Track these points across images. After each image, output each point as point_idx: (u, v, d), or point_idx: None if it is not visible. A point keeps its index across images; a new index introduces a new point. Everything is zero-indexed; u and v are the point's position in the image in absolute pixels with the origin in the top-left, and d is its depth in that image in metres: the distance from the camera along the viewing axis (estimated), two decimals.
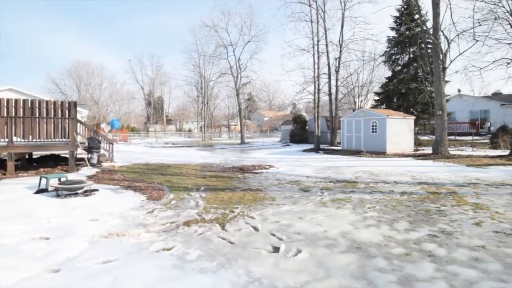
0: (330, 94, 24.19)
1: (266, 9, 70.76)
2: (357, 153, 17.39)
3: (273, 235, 4.33)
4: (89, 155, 10.98)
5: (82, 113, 21.04)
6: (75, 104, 11.44)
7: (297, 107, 63.80)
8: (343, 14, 23.42)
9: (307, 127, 30.01)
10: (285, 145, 27.60)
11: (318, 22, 23.09)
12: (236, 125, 60.23)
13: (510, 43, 14.46)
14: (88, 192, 6.76)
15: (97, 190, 7.07)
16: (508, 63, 14.23)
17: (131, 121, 64.99)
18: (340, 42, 23.78)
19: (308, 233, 4.38)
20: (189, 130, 64.49)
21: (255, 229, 4.60)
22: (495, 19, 14.58)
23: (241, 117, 36.38)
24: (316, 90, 23.34)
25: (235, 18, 65.36)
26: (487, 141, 19.87)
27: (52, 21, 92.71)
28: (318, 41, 23.16)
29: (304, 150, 21.14)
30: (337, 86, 24.52)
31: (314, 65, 23.39)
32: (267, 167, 12.16)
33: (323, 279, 3.06)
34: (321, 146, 22.24)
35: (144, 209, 5.79)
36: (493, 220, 4.85)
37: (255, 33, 35.15)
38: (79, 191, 6.71)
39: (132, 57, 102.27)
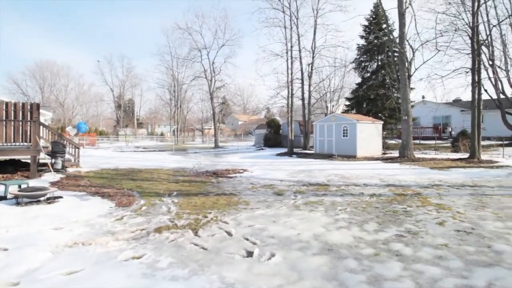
0: (303, 99, 24.66)
1: (240, 14, 71.27)
2: (329, 156, 17.81)
3: (247, 239, 4.31)
4: (53, 160, 10.39)
5: (45, 116, 19.93)
6: (37, 106, 10.80)
7: (271, 111, 64.49)
8: (315, 21, 24.07)
9: (280, 131, 30.36)
10: (259, 149, 27.72)
11: (291, 28, 23.57)
12: (210, 129, 59.73)
13: (469, 53, 15.52)
14: (51, 200, 6.38)
15: (61, 197, 6.69)
16: (467, 72, 15.27)
17: (99, 125, 62.45)
18: (313, 48, 24.38)
19: (281, 236, 4.41)
20: (162, 134, 63.06)
21: (229, 234, 4.55)
22: (455, 30, 15.64)
23: (215, 121, 36.13)
24: (290, 95, 23.73)
25: (209, 21, 65.18)
26: (449, 145, 21.12)
27: (14, 17, 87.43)
28: (291, 46, 23.62)
29: (278, 154, 21.34)
30: (310, 91, 25.05)
31: (287, 70, 23.80)
32: (241, 171, 12.13)
33: (296, 282, 3.09)
34: (295, 150, 22.57)
35: (112, 216, 5.55)
36: (454, 219, 5.14)
37: (229, 37, 35.18)
38: (42, 199, 6.32)
39: (101, 58, 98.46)
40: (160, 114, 66.71)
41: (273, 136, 30.03)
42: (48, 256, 3.70)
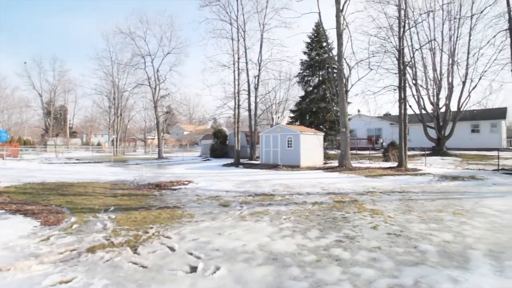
0: (249, 110, 25.05)
1: (187, 22, 70.43)
2: (274, 166, 18.24)
3: (191, 254, 4.15)
4: None
5: None
6: None
7: (217, 122, 64.23)
8: (262, 35, 24.83)
9: (227, 141, 30.32)
10: (205, 160, 27.28)
11: (238, 40, 23.96)
12: (153, 139, 57.18)
13: (396, 73, 17.35)
14: None
15: None
16: (395, 89, 17.03)
17: (24, 133, 55.76)
18: (259, 61, 25.05)
19: (227, 248, 4.34)
20: (98, 144, 58.57)
21: (172, 249, 4.34)
22: (385, 52, 17.44)
23: (159, 131, 34.73)
24: (236, 106, 23.93)
25: (154, 27, 62.90)
26: (381, 154, 23.15)
27: None
28: (238, 58, 23.96)
29: (224, 165, 21.22)
30: (256, 103, 25.57)
31: (234, 81, 24.02)
32: (186, 182, 11.76)
33: None
34: (241, 160, 22.69)
35: (37, 236, 4.93)
36: (386, 223, 5.60)
37: (175, 45, 34.42)
38: None
39: (29, 59, 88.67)
40: (98, 122, 61.91)
41: (220, 146, 29.85)
42: None
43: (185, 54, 54.70)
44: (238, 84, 24.03)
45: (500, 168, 14.74)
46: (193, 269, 3.66)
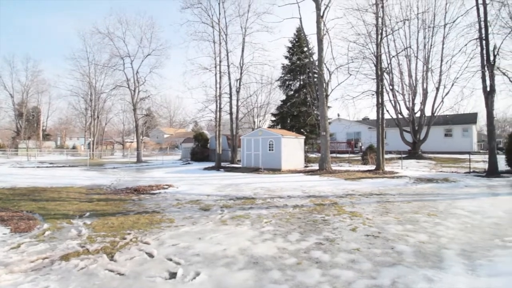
0: (231, 113, 24.99)
1: (169, 24, 69.57)
2: (256, 170, 18.26)
3: (170, 259, 4.06)
4: None
5: None
6: None
7: (198, 125, 63.61)
8: (243, 39, 24.88)
9: (208, 145, 30.07)
10: (186, 163, 26.91)
11: (220, 43, 23.90)
12: (132, 142, 55.87)
13: (374, 78, 17.85)
14: None
15: None
16: (373, 94, 17.50)
17: None
18: (241, 65, 25.06)
19: (207, 253, 4.28)
20: (74, 148, 56.60)
21: (150, 255, 4.24)
22: (363, 58, 17.94)
23: (138, 134, 33.98)
24: (218, 109, 23.81)
25: (134, 28, 61.85)
26: (360, 158, 23.69)
27: None
28: (220, 61, 23.89)
29: (206, 168, 21.02)
30: (237, 106, 25.55)
31: (216, 84, 23.92)
32: (165, 187, 11.55)
33: None
34: (222, 164, 22.55)
35: (6, 244, 4.69)
36: (364, 225, 5.72)
37: (156, 47, 33.92)
38: None
39: None
40: (73, 125, 59.81)
41: (201, 150, 29.56)
42: None
43: (166, 56, 54.05)
44: (220, 87, 23.95)
45: (471, 170, 15.43)
46: (173, 275, 3.59)
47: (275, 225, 5.77)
